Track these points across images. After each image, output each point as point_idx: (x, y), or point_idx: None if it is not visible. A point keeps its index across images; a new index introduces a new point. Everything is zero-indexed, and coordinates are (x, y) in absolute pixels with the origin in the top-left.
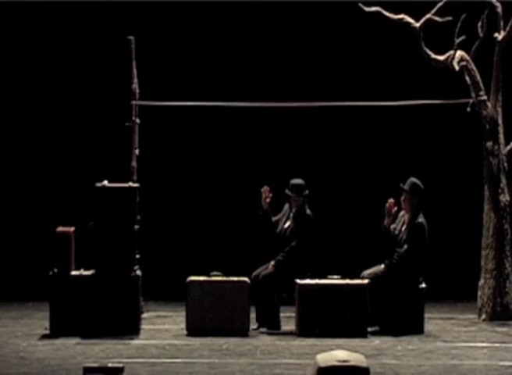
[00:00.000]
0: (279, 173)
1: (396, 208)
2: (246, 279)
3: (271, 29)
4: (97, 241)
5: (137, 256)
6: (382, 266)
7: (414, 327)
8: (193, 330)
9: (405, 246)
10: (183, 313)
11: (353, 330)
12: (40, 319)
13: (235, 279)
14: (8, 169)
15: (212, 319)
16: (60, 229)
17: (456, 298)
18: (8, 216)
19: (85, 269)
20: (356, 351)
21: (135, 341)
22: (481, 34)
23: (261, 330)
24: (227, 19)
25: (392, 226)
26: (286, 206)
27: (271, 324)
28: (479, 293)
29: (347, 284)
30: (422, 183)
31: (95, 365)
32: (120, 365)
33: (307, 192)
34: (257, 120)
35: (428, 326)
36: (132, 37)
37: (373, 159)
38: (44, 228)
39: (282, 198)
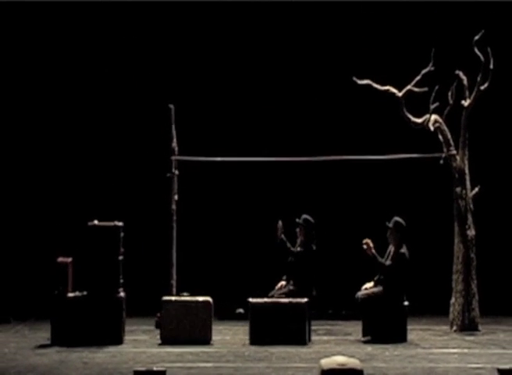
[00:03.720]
0: (290, 215)
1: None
2: (209, 298)
3: (281, 100)
4: (89, 269)
5: (121, 281)
6: (372, 283)
7: (399, 337)
8: (167, 339)
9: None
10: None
11: (294, 338)
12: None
13: (200, 299)
14: (41, 210)
15: (181, 330)
16: (60, 259)
17: (433, 313)
18: (20, 250)
19: (80, 292)
20: (352, 357)
21: (174, 349)
22: (451, 101)
23: None
24: (247, 90)
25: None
26: (299, 240)
27: None
28: (451, 309)
29: (289, 302)
30: (405, 220)
31: (143, 368)
32: (163, 368)
33: (311, 226)
34: (274, 171)
35: (410, 336)
36: (172, 106)
37: (366, 202)
38: (47, 259)
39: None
